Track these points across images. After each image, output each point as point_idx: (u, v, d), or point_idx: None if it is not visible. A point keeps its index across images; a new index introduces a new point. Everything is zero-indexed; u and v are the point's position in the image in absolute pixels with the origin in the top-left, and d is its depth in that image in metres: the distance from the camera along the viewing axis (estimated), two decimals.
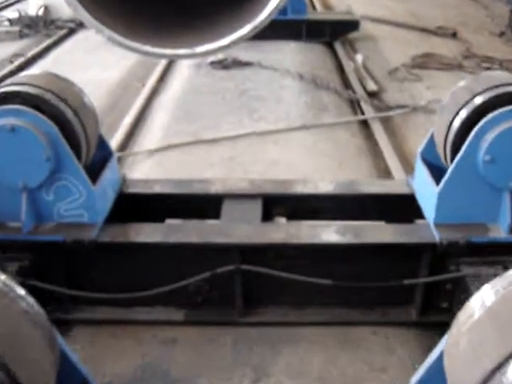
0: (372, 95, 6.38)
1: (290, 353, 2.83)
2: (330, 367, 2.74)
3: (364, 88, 6.53)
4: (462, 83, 2.94)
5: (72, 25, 9.12)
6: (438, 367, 1.70)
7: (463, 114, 2.78)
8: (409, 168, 4.87)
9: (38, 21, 9.17)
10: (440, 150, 2.95)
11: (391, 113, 5.88)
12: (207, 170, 4.78)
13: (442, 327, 2.94)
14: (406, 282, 2.83)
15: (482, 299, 1.56)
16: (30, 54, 7.93)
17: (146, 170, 4.81)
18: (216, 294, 2.95)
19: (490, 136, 2.64)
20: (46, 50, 8.35)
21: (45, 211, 2.84)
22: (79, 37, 8.66)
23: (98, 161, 3.09)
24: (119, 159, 5.06)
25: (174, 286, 2.81)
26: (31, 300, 1.60)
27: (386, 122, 5.78)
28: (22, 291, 1.59)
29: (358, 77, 6.85)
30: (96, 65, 7.44)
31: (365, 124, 5.76)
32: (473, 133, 2.67)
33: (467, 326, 1.52)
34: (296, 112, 5.90)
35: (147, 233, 2.87)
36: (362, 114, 5.94)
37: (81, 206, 2.82)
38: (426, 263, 2.84)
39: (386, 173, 4.86)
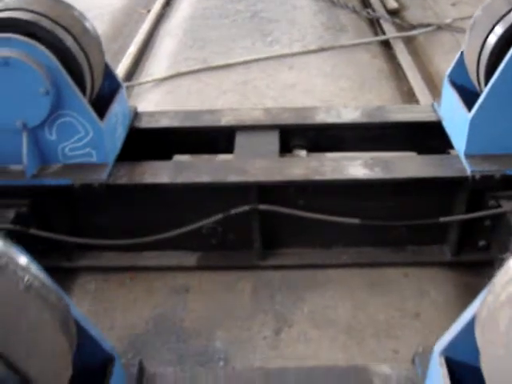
0: (393, 13, 5.97)
1: (315, 299, 2.61)
2: (359, 314, 2.53)
3: (384, 6, 6.10)
4: None
5: None
6: (468, 332, 1.29)
7: (499, 29, 2.40)
8: (435, 91, 4.58)
9: None
10: (471, 72, 2.60)
11: (414, 32, 5.48)
12: (220, 98, 4.51)
13: (479, 267, 2.81)
14: (442, 219, 2.57)
15: None
16: None
17: (155, 100, 4.54)
18: (232, 236, 2.74)
19: None
20: None
21: (48, 152, 2.57)
22: None
23: (104, 93, 2.81)
24: (126, 89, 4.79)
25: (182, 229, 2.58)
26: (37, 271, 1.15)
27: (408, 43, 5.41)
28: (24, 260, 1.12)
29: None
30: None
31: (386, 45, 5.40)
32: (511, 51, 2.28)
33: (506, 295, 1.05)
34: (312, 33, 5.53)
35: (153, 172, 2.59)
36: (383, 34, 5.55)
37: (88, 144, 2.54)
38: (462, 198, 2.58)
39: (409, 95, 4.57)
